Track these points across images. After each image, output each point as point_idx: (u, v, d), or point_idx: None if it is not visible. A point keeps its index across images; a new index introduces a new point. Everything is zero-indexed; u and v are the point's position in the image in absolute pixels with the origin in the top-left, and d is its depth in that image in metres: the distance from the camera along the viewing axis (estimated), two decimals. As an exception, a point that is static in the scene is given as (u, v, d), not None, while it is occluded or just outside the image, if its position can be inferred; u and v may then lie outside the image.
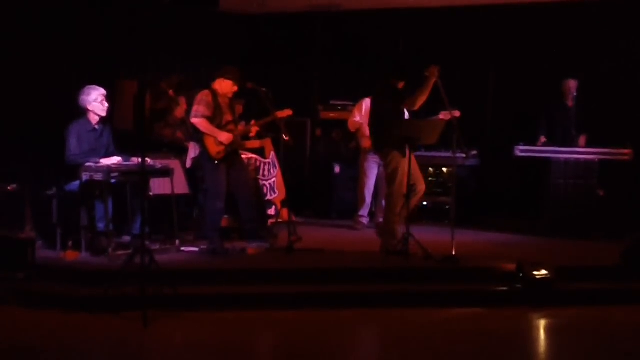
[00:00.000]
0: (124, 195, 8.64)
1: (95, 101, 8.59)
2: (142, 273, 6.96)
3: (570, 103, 10.45)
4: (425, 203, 10.96)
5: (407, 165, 8.46)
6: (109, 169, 8.22)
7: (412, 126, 8.83)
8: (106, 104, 8.65)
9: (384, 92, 8.78)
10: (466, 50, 11.19)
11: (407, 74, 8.76)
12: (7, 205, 8.19)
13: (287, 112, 8.84)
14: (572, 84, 10.39)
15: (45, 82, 9.11)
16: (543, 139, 10.32)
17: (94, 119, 8.64)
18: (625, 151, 9.94)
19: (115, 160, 8.39)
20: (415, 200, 8.78)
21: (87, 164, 8.29)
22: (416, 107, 8.65)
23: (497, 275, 8.08)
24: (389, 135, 8.59)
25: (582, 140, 10.35)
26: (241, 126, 9.03)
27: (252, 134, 9.13)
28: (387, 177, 8.70)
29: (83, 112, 8.63)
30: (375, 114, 8.92)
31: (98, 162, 8.32)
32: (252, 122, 8.96)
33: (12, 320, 7.05)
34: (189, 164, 9.46)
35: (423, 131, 8.62)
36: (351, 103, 11.04)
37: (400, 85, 8.74)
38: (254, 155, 9.97)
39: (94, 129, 8.65)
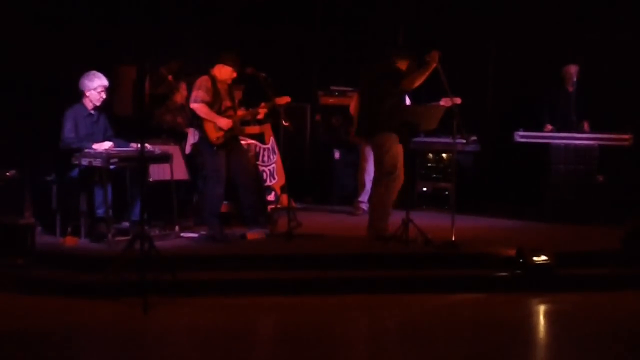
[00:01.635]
0: (123, 181, 8.62)
1: (95, 90, 8.55)
2: (142, 259, 6.96)
3: (570, 88, 10.43)
4: (425, 189, 10.96)
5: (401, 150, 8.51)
6: (108, 155, 8.19)
7: (411, 112, 8.81)
8: (104, 96, 8.60)
9: (386, 74, 8.68)
10: (466, 35, 11.15)
11: (413, 54, 8.70)
12: (7, 191, 8.18)
13: (285, 99, 8.81)
14: (573, 69, 10.36)
15: (44, 67, 9.08)
16: (549, 127, 10.27)
17: (90, 105, 8.62)
18: (625, 136, 9.93)
19: (107, 145, 8.37)
20: (399, 186, 8.75)
21: (87, 150, 8.27)
22: (413, 87, 8.60)
23: (497, 261, 8.08)
24: (389, 118, 8.53)
25: (585, 125, 10.29)
26: (240, 111, 8.99)
27: (260, 116, 9.05)
28: (387, 162, 8.61)
29: (80, 94, 8.59)
30: (372, 97, 8.78)
31: (91, 148, 8.30)
32: (262, 104, 8.88)
33: (12, 306, 7.05)
34: (188, 149, 9.45)
35: (423, 117, 8.60)
36: (350, 88, 11.02)
37: (404, 66, 8.66)
38: (253, 141, 9.95)
39: (90, 114, 8.63)
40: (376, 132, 8.65)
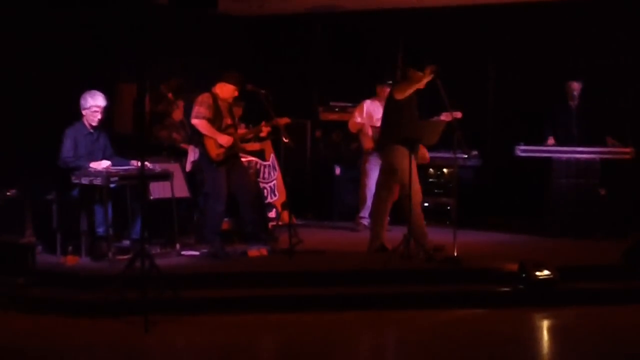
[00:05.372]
0: (123, 200, 8.61)
1: (89, 109, 8.54)
2: (143, 277, 6.94)
3: (572, 104, 10.42)
4: (426, 204, 10.92)
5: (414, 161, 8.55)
6: (108, 173, 8.19)
7: (412, 126, 8.80)
8: (99, 116, 8.55)
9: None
10: (466, 50, 11.16)
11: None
12: (7, 210, 8.18)
13: (284, 120, 8.80)
14: (576, 85, 10.35)
15: (44, 86, 9.09)
16: (551, 141, 10.26)
17: (88, 124, 8.61)
18: (627, 150, 9.91)
19: (104, 164, 8.35)
20: (418, 200, 8.73)
21: (87, 169, 8.27)
22: (402, 96, 8.57)
23: (499, 276, 8.05)
24: (393, 131, 8.53)
25: (609, 140, 10.20)
26: (241, 129, 9.00)
27: (263, 134, 9.06)
28: (405, 178, 8.56)
29: (80, 114, 8.60)
30: (384, 112, 8.78)
31: (88, 167, 8.29)
32: (263, 122, 8.89)
33: (12, 325, 7.03)
34: (188, 167, 9.44)
35: (423, 132, 8.60)
36: (350, 104, 11.03)
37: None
38: (254, 158, 9.95)
39: (90, 133, 8.62)
40: (384, 145, 8.68)
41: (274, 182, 10.33)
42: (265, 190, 10.12)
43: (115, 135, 9.18)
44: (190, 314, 7.17)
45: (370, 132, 10.28)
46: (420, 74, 8.54)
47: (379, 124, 10.25)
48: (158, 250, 8.50)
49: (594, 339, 6.88)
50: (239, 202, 8.78)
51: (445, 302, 7.70)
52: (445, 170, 10.96)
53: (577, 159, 9.94)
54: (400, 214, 8.95)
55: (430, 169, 10.95)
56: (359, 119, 10.41)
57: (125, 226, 8.71)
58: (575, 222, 9.83)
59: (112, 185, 8.27)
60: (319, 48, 12.22)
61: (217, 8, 9.85)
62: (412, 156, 8.50)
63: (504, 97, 11.32)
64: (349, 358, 6.50)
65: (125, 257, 7.84)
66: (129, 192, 8.59)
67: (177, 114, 9.79)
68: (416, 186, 8.62)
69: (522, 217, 10.62)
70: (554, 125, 10.42)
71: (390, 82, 10.38)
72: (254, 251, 8.70)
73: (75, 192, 8.46)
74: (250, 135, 9.08)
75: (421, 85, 8.47)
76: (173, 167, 9.06)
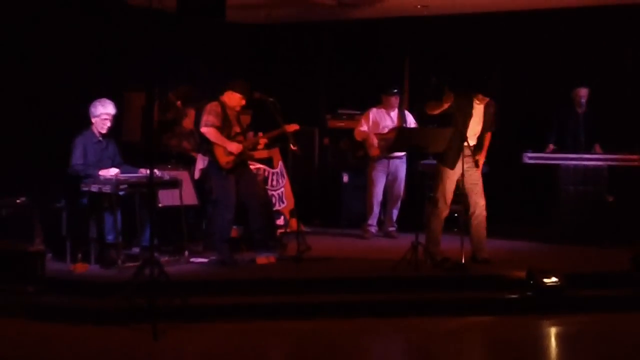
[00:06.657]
0: (132, 207, 8.64)
1: (99, 117, 8.57)
2: (152, 284, 6.96)
3: (579, 110, 10.43)
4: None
5: (455, 175, 8.51)
6: (117, 181, 8.22)
7: (419, 135, 8.82)
8: (108, 124, 8.60)
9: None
10: (473, 57, 11.17)
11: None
12: (17, 218, 8.20)
13: (294, 127, 8.84)
14: (583, 92, 10.36)
15: (54, 94, 9.13)
16: (551, 147, 10.28)
17: (97, 132, 8.65)
18: (634, 157, 9.90)
19: (113, 172, 8.38)
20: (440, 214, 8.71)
21: (97, 177, 8.30)
22: (429, 112, 8.61)
23: (507, 283, 8.06)
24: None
25: (597, 148, 10.24)
26: (249, 137, 9.02)
27: (260, 146, 9.12)
28: (434, 188, 8.66)
29: (89, 121, 8.64)
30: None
31: (98, 175, 8.32)
32: (260, 134, 8.95)
33: (22, 333, 7.05)
34: (197, 175, 9.47)
35: (430, 140, 8.61)
36: (358, 112, 11.05)
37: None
38: (262, 166, 9.98)
39: (99, 141, 8.66)
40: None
41: (282, 189, 10.35)
42: (273, 198, 10.15)
43: (123, 143, 9.21)
44: (198, 321, 7.19)
45: (376, 140, 10.31)
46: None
47: (384, 131, 10.32)
48: (167, 258, 8.52)
49: (602, 346, 6.88)
50: (248, 209, 8.80)
51: (453, 309, 7.71)
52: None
53: (585, 166, 9.94)
54: (408, 222, 8.94)
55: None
56: (364, 127, 10.43)
57: (134, 234, 8.74)
58: (582, 229, 9.83)
59: (121, 193, 8.30)
60: (326, 56, 12.25)
61: (225, 17, 9.91)
62: (449, 165, 8.53)
63: (511, 104, 11.31)
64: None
65: (135, 264, 7.86)
66: (138, 199, 8.64)
67: (188, 122, 9.81)
68: (446, 201, 8.63)
69: (529, 224, 10.62)
70: (561, 132, 10.43)
71: (396, 90, 10.44)
72: (262, 258, 8.71)
73: (84, 200, 8.49)
74: (249, 147, 9.03)
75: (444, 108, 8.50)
76: (182, 174, 9.09)
